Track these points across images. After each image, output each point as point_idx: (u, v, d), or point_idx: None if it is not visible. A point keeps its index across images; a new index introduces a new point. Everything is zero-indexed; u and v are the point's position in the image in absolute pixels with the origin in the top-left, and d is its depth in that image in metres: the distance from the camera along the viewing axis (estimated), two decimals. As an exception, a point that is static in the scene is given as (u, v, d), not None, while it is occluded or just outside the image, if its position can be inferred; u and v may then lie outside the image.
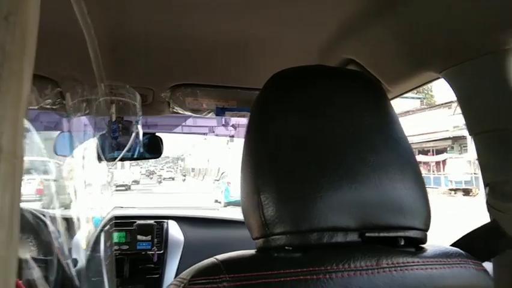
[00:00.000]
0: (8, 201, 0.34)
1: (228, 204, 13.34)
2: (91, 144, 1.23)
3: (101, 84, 1.00)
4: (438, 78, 0.76)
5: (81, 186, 1.38)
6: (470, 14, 0.62)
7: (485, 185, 0.70)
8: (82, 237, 1.76)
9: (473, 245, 0.60)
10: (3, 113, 0.36)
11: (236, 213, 2.06)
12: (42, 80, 1.12)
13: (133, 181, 29.53)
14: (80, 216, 1.82)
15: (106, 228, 1.72)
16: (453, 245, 0.62)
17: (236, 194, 13.21)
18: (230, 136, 1.84)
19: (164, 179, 37.87)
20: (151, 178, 38.12)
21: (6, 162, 0.35)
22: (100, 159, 1.24)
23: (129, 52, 0.99)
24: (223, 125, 1.55)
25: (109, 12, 0.79)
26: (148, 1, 0.75)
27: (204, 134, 1.97)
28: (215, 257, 0.49)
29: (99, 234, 1.69)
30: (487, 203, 0.69)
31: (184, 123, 1.86)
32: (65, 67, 1.04)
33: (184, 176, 41.05)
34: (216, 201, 14.79)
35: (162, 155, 1.74)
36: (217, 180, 17.11)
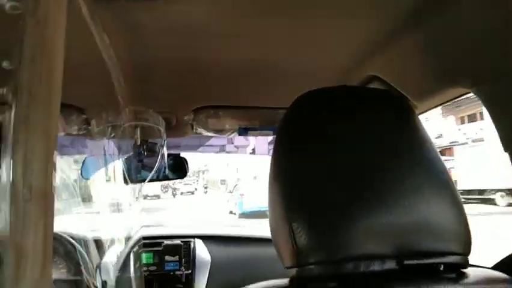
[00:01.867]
0: (40, 239, 0.34)
1: (242, 215, 13.61)
2: (117, 167, 1.25)
3: (125, 110, 1.02)
4: (468, 93, 0.73)
5: (109, 207, 1.40)
6: (500, 29, 0.60)
7: None
8: (111, 258, 1.78)
9: None
10: (32, 152, 0.36)
11: (260, 230, 2.03)
12: (67, 107, 1.15)
13: (154, 195, 28.56)
14: (109, 237, 1.84)
15: (135, 249, 1.74)
16: (494, 267, 0.59)
17: (250, 205, 13.57)
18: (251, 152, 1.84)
19: (182, 193, 33.27)
20: (165, 192, 33.64)
21: (37, 200, 0.35)
22: (126, 181, 1.26)
23: (151, 78, 1.01)
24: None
25: (131, 41, 0.80)
26: (168, 29, 0.76)
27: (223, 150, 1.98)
28: (247, 286, 0.48)
29: (128, 255, 1.70)
30: None
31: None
32: (89, 94, 1.07)
33: (206, 188, 37.74)
34: (231, 212, 14.98)
35: None
36: (231, 192, 17.24)
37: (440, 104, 0.85)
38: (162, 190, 32.22)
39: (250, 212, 13.37)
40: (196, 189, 36.48)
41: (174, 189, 33.94)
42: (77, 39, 0.57)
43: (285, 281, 0.50)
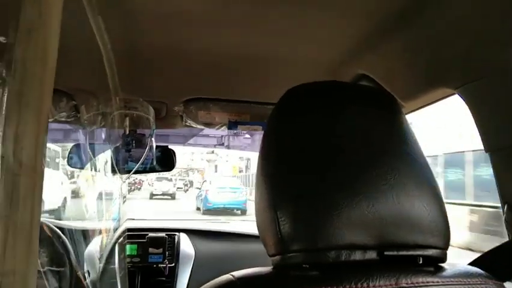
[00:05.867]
0: (27, 215, 0.35)
1: (206, 211, 13.81)
2: (105, 157, 1.24)
3: (115, 98, 1.02)
4: (453, 94, 0.75)
5: (94, 198, 1.39)
6: (485, 31, 0.62)
7: (503, 203, 0.69)
8: (95, 248, 1.76)
9: (492, 264, 0.58)
10: (23, 129, 0.36)
11: (247, 227, 2.04)
12: (57, 93, 1.13)
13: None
14: (93, 227, 1.82)
15: (120, 240, 1.73)
16: (472, 263, 0.61)
17: (213, 201, 14.04)
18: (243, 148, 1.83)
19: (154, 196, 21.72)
20: (139, 189, 26.20)
21: (26, 177, 0.35)
22: (114, 171, 1.25)
23: (143, 66, 1.00)
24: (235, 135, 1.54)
25: (125, 27, 0.80)
26: (162, 17, 0.76)
27: (214, 146, 1.97)
28: (231, 273, 0.49)
29: (113, 247, 1.69)
30: (506, 221, 0.68)
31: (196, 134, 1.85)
32: (80, 80, 1.06)
33: (187, 186, 29.37)
34: (198, 208, 15.21)
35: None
36: (199, 189, 17.52)
37: (427, 105, 0.87)
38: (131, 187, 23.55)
39: (213, 208, 13.79)
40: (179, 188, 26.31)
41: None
42: (71, 20, 0.57)
43: (268, 268, 0.51)
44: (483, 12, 0.60)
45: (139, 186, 27.32)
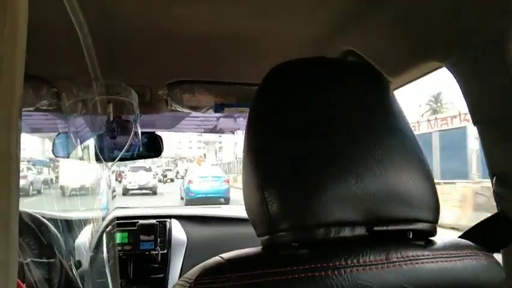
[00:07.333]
0: (4, 203, 0.33)
1: (190, 201, 13.74)
2: (90, 145, 1.22)
3: (96, 83, 0.99)
4: (440, 67, 0.75)
5: (81, 187, 1.37)
6: (472, 1, 0.61)
7: (492, 174, 0.69)
8: (85, 238, 1.75)
9: (482, 236, 0.59)
10: None
11: (238, 211, 2.05)
12: (37, 80, 1.10)
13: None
14: (82, 217, 1.81)
15: (108, 229, 1.72)
16: (461, 236, 0.61)
17: (195, 190, 14.03)
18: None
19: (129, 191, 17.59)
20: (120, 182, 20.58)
21: (1, 164, 0.33)
22: (98, 159, 1.23)
23: (124, 50, 0.98)
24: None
25: (102, 8, 0.77)
26: None
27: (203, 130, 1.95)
28: (220, 255, 0.48)
29: (101, 236, 1.68)
30: (495, 193, 0.68)
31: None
32: (59, 66, 1.03)
33: (166, 177, 24.95)
34: (182, 198, 15.09)
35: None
36: (182, 178, 17.31)
37: (415, 79, 0.87)
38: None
39: (196, 198, 13.75)
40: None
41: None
42: (44, 2, 0.54)
43: (257, 249, 0.50)
44: None
45: (119, 179, 21.90)
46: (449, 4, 0.65)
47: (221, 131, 1.82)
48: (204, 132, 1.94)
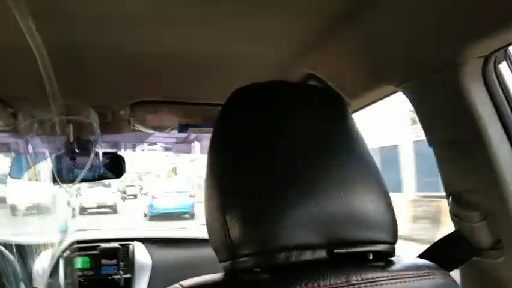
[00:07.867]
0: None
1: (153, 217, 13.48)
2: (45, 166, 1.17)
3: (55, 104, 0.96)
4: (397, 91, 0.77)
5: (37, 210, 1.31)
6: (426, 30, 0.64)
7: (447, 194, 0.71)
8: (43, 263, 1.67)
9: (440, 255, 0.60)
10: None
11: (204, 231, 2.01)
12: None
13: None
14: (38, 241, 1.72)
15: (67, 253, 1.64)
16: (420, 255, 0.63)
17: (159, 206, 13.74)
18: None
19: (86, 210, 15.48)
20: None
21: None
22: (55, 181, 1.19)
23: (84, 68, 0.95)
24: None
25: (60, 28, 0.75)
26: (101, 17, 0.72)
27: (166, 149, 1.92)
28: (180, 283, 0.47)
29: (58, 260, 1.61)
30: (451, 212, 0.70)
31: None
32: (15, 85, 0.99)
33: (124, 193, 21.91)
34: (145, 215, 14.56)
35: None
36: (145, 194, 16.82)
37: (373, 102, 0.89)
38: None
39: (159, 214, 13.40)
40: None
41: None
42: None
43: (219, 275, 0.50)
44: (423, 11, 0.62)
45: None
46: (402, 31, 0.68)
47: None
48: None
